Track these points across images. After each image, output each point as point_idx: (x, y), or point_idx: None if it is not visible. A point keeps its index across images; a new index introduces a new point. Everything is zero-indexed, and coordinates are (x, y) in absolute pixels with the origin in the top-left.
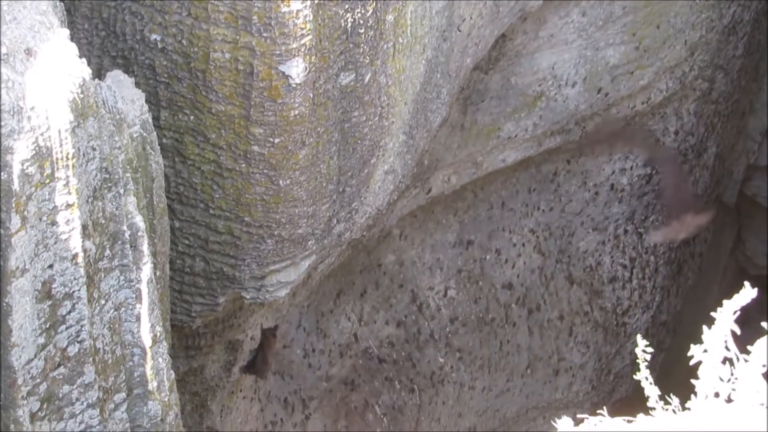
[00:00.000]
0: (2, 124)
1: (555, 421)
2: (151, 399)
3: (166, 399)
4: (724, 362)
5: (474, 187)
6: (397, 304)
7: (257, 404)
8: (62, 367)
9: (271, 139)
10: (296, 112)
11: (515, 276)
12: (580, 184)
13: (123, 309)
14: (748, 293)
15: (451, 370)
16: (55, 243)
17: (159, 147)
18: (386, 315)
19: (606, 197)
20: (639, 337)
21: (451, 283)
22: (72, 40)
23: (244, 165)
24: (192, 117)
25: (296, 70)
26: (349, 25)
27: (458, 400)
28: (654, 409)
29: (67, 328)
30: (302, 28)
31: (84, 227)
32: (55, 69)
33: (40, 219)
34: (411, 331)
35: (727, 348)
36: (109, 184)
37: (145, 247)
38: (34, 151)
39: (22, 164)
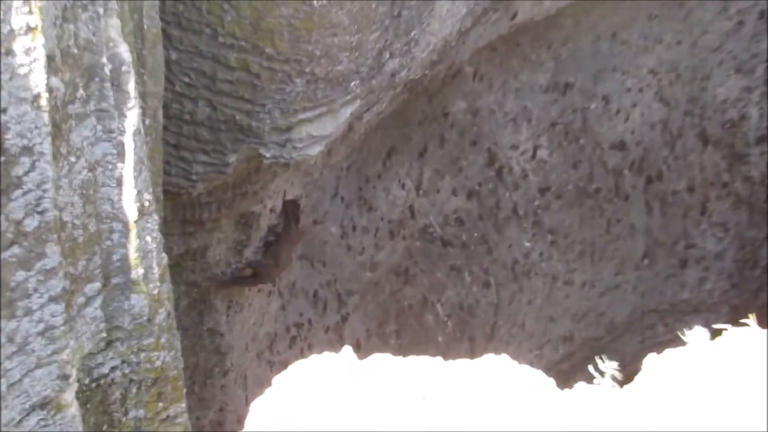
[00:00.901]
0: None
1: (682, 331)
2: (135, 291)
3: (155, 292)
4: None
5: (575, 12)
6: (468, 168)
7: (277, 300)
8: (16, 246)
9: None
10: None
11: (629, 132)
12: (719, 9)
13: (100, 169)
14: None
15: (540, 258)
16: (11, 79)
17: None
18: (453, 182)
19: (754, 28)
20: None
21: (541, 140)
22: None
23: None
24: None
25: None
26: None
27: (549, 298)
28: None
29: (23, 194)
30: None
31: (50, 59)
32: None
33: None
34: (486, 205)
35: None
36: (85, 2)
37: (130, 87)
38: None
39: None
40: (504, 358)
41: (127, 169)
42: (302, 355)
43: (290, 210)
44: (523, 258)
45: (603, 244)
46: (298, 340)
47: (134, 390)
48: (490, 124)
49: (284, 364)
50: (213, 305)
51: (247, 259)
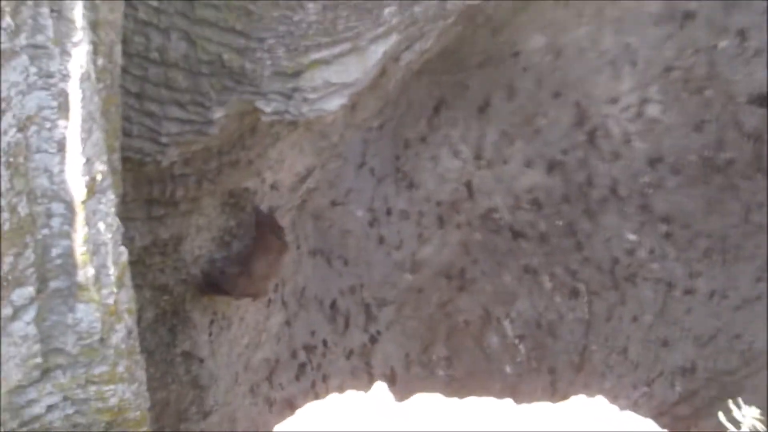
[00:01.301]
0: None
1: None
2: (83, 300)
3: (110, 300)
4: None
5: None
6: (548, 129)
7: (279, 312)
8: None
9: None
10: None
11: None
12: None
13: (34, 128)
14: None
15: (649, 256)
16: None
17: None
18: (528, 149)
19: None
20: None
21: (651, 91)
22: None
23: None
24: None
25: None
26: None
27: (662, 314)
28: None
29: None
30: None
31: None
32: None
33: None
34: (574, 181)
35: None
36: None
37: (76, 14)
38: None
39: None
40: (598, 399)
41: (72, 128)
42: (314, 390)
43: (266, 223)
44: (626, 256)
45: (739, 238)
46: (308, 370)
47: None
48: (578, 69)
49: (289, 404)
50: (190, 319)
51: (214, 259)
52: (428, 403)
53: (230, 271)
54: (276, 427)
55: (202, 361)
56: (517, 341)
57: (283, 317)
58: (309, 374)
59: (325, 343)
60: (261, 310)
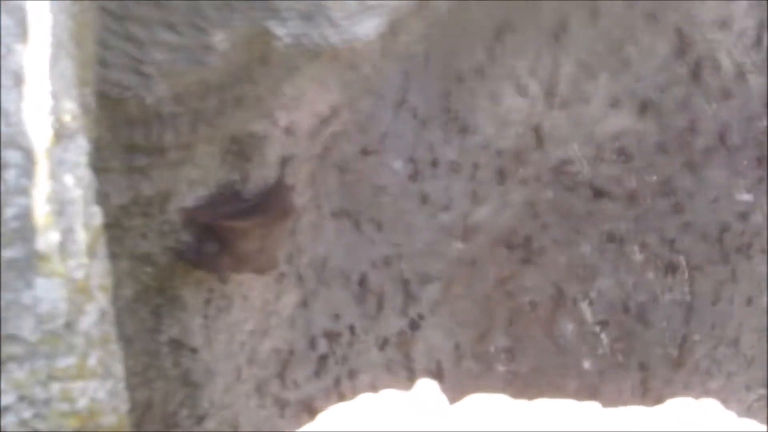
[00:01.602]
0: None
1: None
2: (44, 274)
3: (79, 274)
4: None
5: None
6: (641, 61)
7: (294, 288)
8: None
9: None
10: None
11: None
12: None
13: None
14: None
15: None
16: None
17: None
18: (613, 85)
19: None
20: None
21: None
22: None
23: None
24: None
25: None
26: None
27: None
28: None
29: None
30: None
31: None
32: None
33: None
34: (673, 127)
35: None
36: None
37: None
38: None
39: None
40: (704, 402)
41: (33, 54)
42: (338, 390)
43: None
44: (738, 221)
45: None
46: (330, 363)
47: None
48: None
49: (306, 407)
50: (179, 298)
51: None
52: (487, 407)
53: (208, 249)
54: None
55: (194, 351)
56: (597, 329)
57: (298, 296)
58: (332, 369)
59: (352, 329)
60: (270, 286)
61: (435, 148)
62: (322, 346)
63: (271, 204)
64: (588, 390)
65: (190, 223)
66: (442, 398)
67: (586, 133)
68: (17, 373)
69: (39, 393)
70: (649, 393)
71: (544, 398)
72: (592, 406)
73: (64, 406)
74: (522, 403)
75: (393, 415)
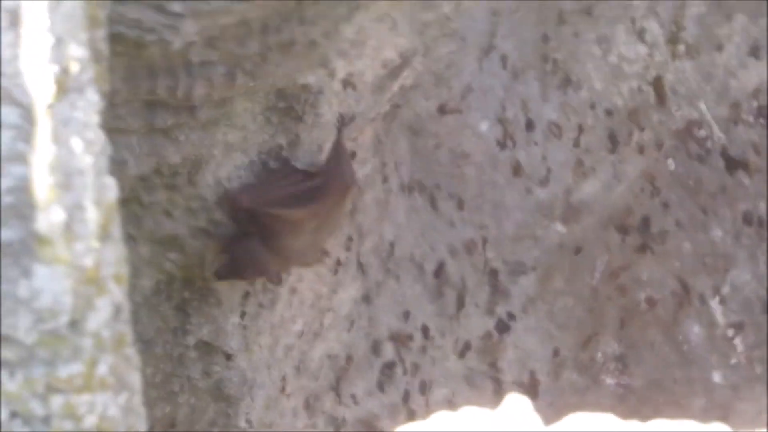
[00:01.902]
0: None
1: None
2: (44, 260)
3: (87, 261)
4: None
5: None
6: None
7: (354, 281)
8: None
9: None
10: None
11: None
12: None
13: None
14: None
15: None
16: None
17: None
18: (755, 29)
19: None
20: None
21: None
22: None
23: None
24: None
25: None
26: None
27: None
28: None
29: None
30: None
31: None
32: None
33: None
34: None
35: None
36: None
37: None
38: None
39: None
40: None
41: None
42: (407, 406)
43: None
44: None
45: None
46: (398, 373)
47: None
48: None
49: (368, 427)
50: (211, 291)
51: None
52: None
53: (251, 248)
54: None
55: (229, 357)
56: (731, 333)
57: (359, 290)
58: (399, 380)
59: (425, 331)
60: (324, 277)
61: (530, 106)
62: (388, 351)
63: (329, 179)
64: (718, 409)
65: (233, 212)
66: (536, 418)
67: (719, 88)
68: (10, 383)
69: (36, 408)
70: None
71: (663, 419)
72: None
73: (68, 425)
74: (635, 425)
75: None
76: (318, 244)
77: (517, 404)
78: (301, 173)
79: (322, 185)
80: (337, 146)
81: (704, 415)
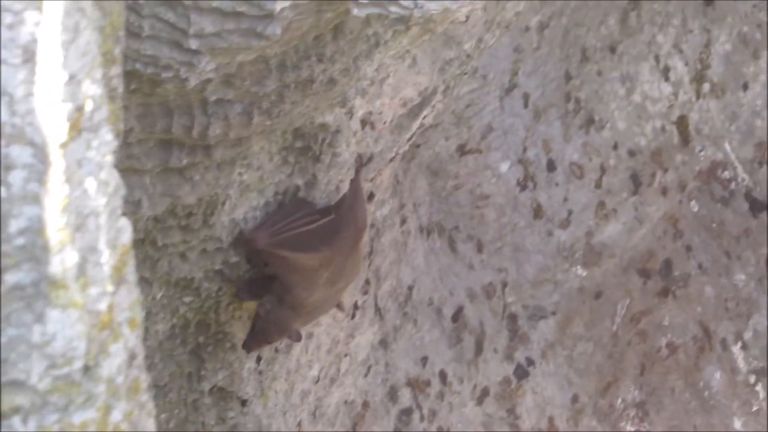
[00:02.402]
0: None
1: None
2: (57, 304)
3: (101, 305)
4: None
5: None
6: None
7: (371, 325)
8: None
9: None
10: None
11: None
12: None
13: None
14: None
15: None
16: None
17: None
18: None
19: None
20: None
21: None
22: None
23: None
24: None
25: None
26: None
27: None
28: None
29: None
30: None
31: None
32: None
33: None
34: None
35: None
36: None
37: None
38: None
39: None
40: None
41: (48, 25)
42: None
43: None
44: None
45: None
46: (416, 419)
47: None
48: None
49: None
50: (226, 336)
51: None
52: None
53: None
54: None
55: (244, 403)
56: (753, 379)
57: (376, 334)
58: (417, 427)
59: (443, 376)
60: (341, 321)
61: (552, 146)
62: (405, 397)
63: (343, 222)
64: None
65: (248, 253)
66: None
67: (743, 129)
68: (22, 430)
69: None
70: None
71: None
72: None
73: None
74: None
75: None
76: (334, 298)
77: None
78: (316, 211)
79: (335, 227)
80: (354, 188)
81: None
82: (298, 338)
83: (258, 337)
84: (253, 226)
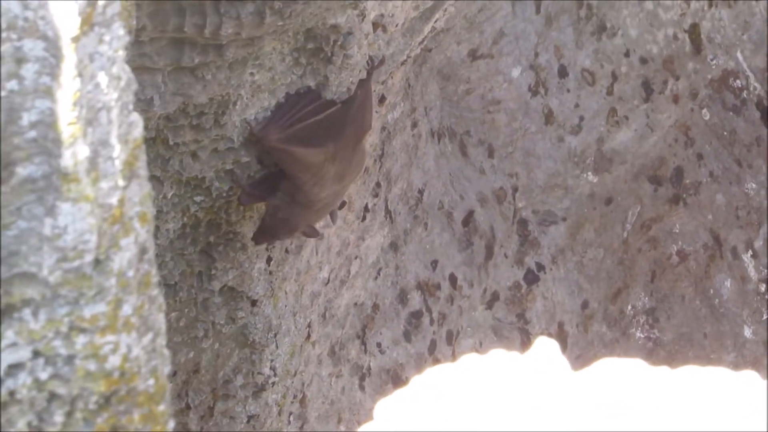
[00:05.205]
0: None
1: None
2: (68, 197)
3: (113, 199)
4: None
5: None
6: None
7: (381, 229)
8: None
9: None
10: None
11: None
12: None
13: None
14: None
15: None
16: None
17: None
18: None
19: None
20: None
21: None
22: None
23: None
24: None
25: None
26: None
27: None
28: None
29: None
30: None
31: None
32: None
33: None
34: None
35: None
36: None
37: None
38: None
39: None
40: None
41: None
42: (434, 356)
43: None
44: None
45: None
46: (425, 323)
47: (59, 419)
48: None
49: (393, 376)
50: (236, 235)
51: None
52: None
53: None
54: (375, 411)
55: (254, 303)
56: (763, 287)
57: (387, 237)
58: (426, 330)
59: (453, 280)
60: (352, 224)
61: (564, 52)
62: (415, 300)
63: (348, 119)
64: (748, 364)
65: (260, 155)
66: (564, 362)
67: (755, 38)
68: (32, 322)
69: (59, 348)
70: None
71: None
72: (752, 378)
73: (91, 365)
74: (663, 371)
75: (503, 380)
76: (341, 194)
77: (547, 347)
78: (322, 101)
79: (341, 122)
80: (365, 89)
81: (734, 370)
82: (315, 233)
83: (268, 232)
84: (263, 124)
